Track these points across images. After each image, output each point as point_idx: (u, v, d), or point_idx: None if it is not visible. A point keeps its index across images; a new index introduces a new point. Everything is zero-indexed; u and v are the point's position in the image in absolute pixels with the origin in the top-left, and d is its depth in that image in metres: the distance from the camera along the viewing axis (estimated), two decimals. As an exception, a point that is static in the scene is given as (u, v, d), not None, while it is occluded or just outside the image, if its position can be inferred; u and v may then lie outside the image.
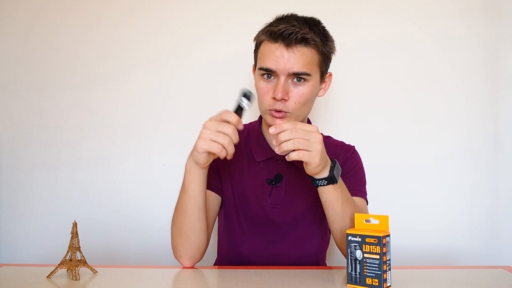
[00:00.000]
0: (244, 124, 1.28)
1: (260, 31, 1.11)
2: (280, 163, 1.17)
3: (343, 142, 1.25)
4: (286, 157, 0.94)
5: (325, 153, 0.95)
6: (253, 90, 1.04)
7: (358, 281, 0.89)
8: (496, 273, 1.03)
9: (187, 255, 1.07)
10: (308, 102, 1.09)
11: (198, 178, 1.01)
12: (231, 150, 0.94)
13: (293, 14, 1.10)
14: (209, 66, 1.66)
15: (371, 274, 0.88)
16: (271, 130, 0.93)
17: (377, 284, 0.87)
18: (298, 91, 1.06)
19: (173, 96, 1.67)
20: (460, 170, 1.62)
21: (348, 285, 0.91)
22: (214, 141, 0.93)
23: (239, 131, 0.95)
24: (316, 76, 1.08)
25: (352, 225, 1.00)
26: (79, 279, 0.95)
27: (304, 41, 1.03)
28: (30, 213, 1.70)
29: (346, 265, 0.92)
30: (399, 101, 1.64)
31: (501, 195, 1.62)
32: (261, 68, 1.07)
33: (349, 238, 0.90)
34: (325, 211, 1.03)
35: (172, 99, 1.67)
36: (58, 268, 0.97)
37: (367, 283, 0.88)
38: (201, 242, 1.07)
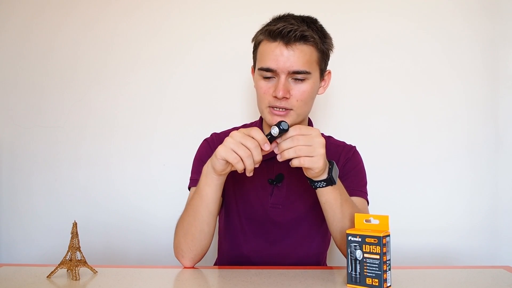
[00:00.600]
0: (245, 124, 1.28)
1: (258, 32, 1.11)
2: (281, 163, 1.15)
3: (344, 142, 1.25)
4: (289, 163, 0.94)
5: (325, 156, 0.95)
6: (252, 92, 1.03)
7: (358, 281, 0.89)
8: (496, 273, 1.03)
9: (190, 256, 1.07)
10: (309, 100, 1.09)
11: (214, 184, 1.01)
12: (249, 165, 0.92)
13: (290, 14, 1.10)
14: (209, 66, 1.66)
15: (371, 274, 0.88)
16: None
17: (377, 284, 0.87)
18: (300, 89, 1.06)
19: (173, 96, 1.67)
20: (460, 170, 1.62)
21: (348, 285, 0.91)
22: (234, 151, 0.92)
23: None
24: (316, 74, 1.08)
25: (352, 226, 1.00)
26: (79, 279, 0.95)
27: (303, 39, 1.03)
28: (30, 213, 1.70)
29: (346, 265, 0.92)
30: (399, 101, 1.64)
31: (501, 195, 1.62)
32: (261, 69, 1.06)
33: (349, 238, 0.90)
34: (324, 212, 1.03)
35: (172, 99, 1.67)
36: (58, 268, 0.97)
37: (367, 283, 0.88)
38: (206, 245, 1.07)
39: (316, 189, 0.99)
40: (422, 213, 1.62)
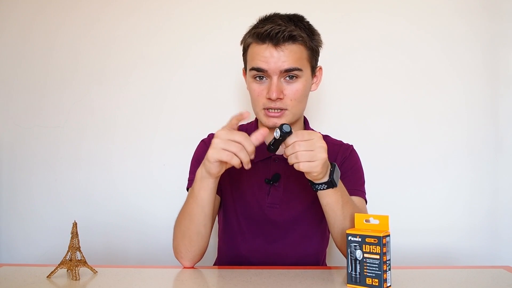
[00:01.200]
0: (241, 125, 1.28)
1: (246, 34, 1.11)
2: (278, 163, 1.17)
3: (341, 141, 1.25)
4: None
5: (327, 159, 0.95)
6: (245, 94, 1.03)
7: (358, 281, 0.89)
8: (496, 273, 1.03)
9: (189, 257, 1.07)
10: (303, 98, 1.10)
11: (209, 187, 1.00)
12: (244, 157, 0.92)
13: (276, 13, 1.10)
14: (210, 66, 1.66)
15: (371, 274, 0.88)
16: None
17: (377, 284, 0.87)
18: (292, 88, 1.07)
19: (173, 96, 1.67)
20: (460, 170, 1.62)
21: (348, 285, 0.91)
22: (224, 149, 0.92)
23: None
24: (307, 71, 1.09)
25: (352, 226, 1.00)
26: (79, 279, 0.95)
27: (291, 39, 1.04)
28: (30, 213, 1.70)
29: (346, 265, 0.92)
30: (399, 101, 1.64)
31: (501, 195, 1.62)
32: (252, 69, 1.07)
33: (349, 238, 0.90)
34: (326, 214, 1.03)
35: (172, 99, 1.67)
36: (58, 268, 0.97)
37: (367, 283, 0.88)
38: (204, 245, 1.08)
39: (317, 191, 0.99)
40: (422, 213, 1.62)
